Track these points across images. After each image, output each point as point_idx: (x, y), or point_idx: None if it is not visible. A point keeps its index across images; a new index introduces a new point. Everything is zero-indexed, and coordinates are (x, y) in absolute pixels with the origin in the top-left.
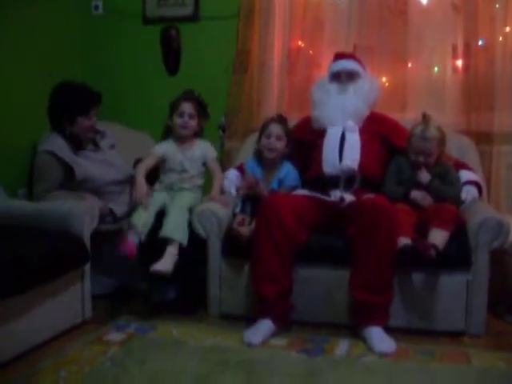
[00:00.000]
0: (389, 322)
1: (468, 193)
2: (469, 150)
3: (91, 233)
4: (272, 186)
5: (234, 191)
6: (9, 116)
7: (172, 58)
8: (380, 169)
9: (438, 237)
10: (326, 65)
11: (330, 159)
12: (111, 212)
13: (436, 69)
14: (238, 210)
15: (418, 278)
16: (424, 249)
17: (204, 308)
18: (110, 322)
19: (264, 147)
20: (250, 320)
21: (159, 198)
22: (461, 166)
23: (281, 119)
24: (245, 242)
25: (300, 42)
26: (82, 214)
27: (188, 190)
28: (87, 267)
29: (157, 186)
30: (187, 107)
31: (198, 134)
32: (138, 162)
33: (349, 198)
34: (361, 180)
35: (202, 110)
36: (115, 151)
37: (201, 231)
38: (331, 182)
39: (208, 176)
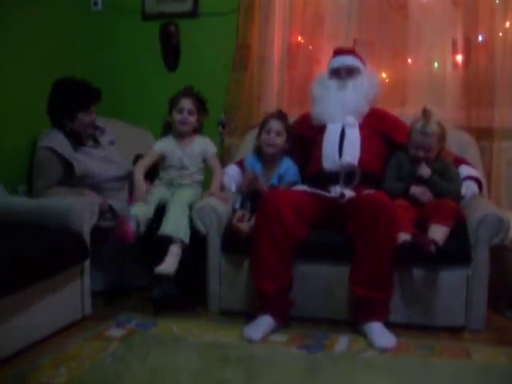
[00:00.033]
0: (389, 317)
1: (468, 188)
2: (469, 146)
3: (90, 229)
4: (272, 182)
5: (234, 187)
6: (9, 113)
7: (171, 54)
8: (380, 164)
9: (438, 232)
10: (326, 60)
11: (330, 155)
12: (111, 208)
13: (436, 64)
14: (237, 205)
15: (418, 273)
16: (424, 244)
17: (204, 304)
18: (110, 318)
19: (264, 143)
20: (249, 316)
21: (159, 192)
22: (460, 161)
23: (281, 115)
24: (244, 238)
25: (300, 37)
26: (81, 210)
27: (188, 186)
28: (87, 263)
29: (156, 182)
30: (187, 103)
31: (198, 130)
32: (137, 157)
33: (349, 193)
34: (361, 176)
35: (201, 106)
36: (115, 147)
37: (200, 227)
38: (331, 178)
39: (208, 172)
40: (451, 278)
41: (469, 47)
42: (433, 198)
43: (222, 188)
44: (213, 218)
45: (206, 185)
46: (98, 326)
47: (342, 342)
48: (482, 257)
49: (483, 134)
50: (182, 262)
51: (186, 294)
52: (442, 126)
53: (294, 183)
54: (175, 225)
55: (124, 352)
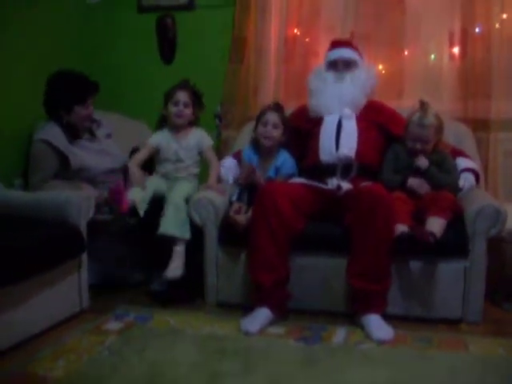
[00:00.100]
0: (386, 309)
1: (465, 180)
2: (466, 138)
3: (87, 222)
4: (269, 174)
5: (231, 179)
6: (4, 106)
7: (167, 47)
8: (377, 157)
9: (436, 225)
10: (323, 52)
11: (327, 147)
12: (107, 201)
13: (433, 56)
14: (234, 198)
15: (415, 265)
16: (422, 236)
17: (201, 297)
18: (108, 312)
19: (261, 135)
20: (247, 308)
21: (153, 184)
22: (458, 153)
23: (277, 107)
24: (241, 230)
25: (296, 30)
26: (78, 203)
27: (184, 179)
28: (84, 257)
29: (153, 176)
30: (182, 96)
31: (193, 123)
32: (134, 150)
33: (346, 186)
34: (358, 168)
35: (197, 99)
36: (112, 140)
37: (197, 219)
38: (328, 170)
39: (204, 165)
40: (449, 270)
41: (465, 39)
42: (430, 190)
43: (219, 180)
44: (210, 210)
45: (202, 178)
46: (96, 319)
47: (340, 334)
48: (479, 249)
49: (480, 126)
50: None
51: (183, 287)
52: (439, 118)
53: (291, 176)
54: (175, 224)
55: (122, 345)
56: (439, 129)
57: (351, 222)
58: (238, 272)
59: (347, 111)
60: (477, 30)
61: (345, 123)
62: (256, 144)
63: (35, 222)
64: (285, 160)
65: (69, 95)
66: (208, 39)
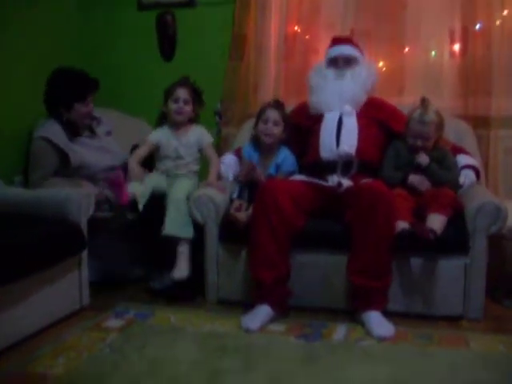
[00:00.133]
0: (387, 306)
1: (466, 177)
2: (466, 135)
3: (87, 220)
4: (269, 172)
5: (231, 176)
6: (5, 104)
7: (168, 44)
8: (378, 154)
9: (436, 221)
10: (323, 49)
11: (327, 144)
12: (107, 199)
13: (433, 53)
14: (235, 195)
15: (416, 262)
16: (422, 233)
17: (202, 294)
18: (108, 309)
19: (261, 132)
20: (247, 306)
21: (152, 180)
22: (458, 150)
23: (278, 104)
24: (242, 227)
25: (297, 27)
26: (79, 201)
27: (184, 177)
28: (84, 254)
29: (153, 173)
30: (182, 93)
31: (193, 120)
32: (134, 148)
33: (346, 182)
34: (358, 165)
35: (197, 96)
36: (112, 138)
37: (198, 217)
38: (329, 167)
39: (204, 162)
40: (449, 267)
41: (466, 36)
42: (431, 186)
43: (219, 177)
44: (210, 207)
45: (202, 175)
46: (96, 316)
47: (340, 331)
48: (479, 245)
49: (480, 123)
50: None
51: (183, 284)
52: (440, 115)
53: (292, 173)
54: (177, 224)
55: (122, 342)
56: (440, 126)
57: (352, 218)
58: (238, 269)
59: (348, 108)
60: (477, 26)
61: (345, 120)
62: (256, 141)
63: (35, 219)
64: (285, 157)
65: (69, 92)
66: (208, 36)
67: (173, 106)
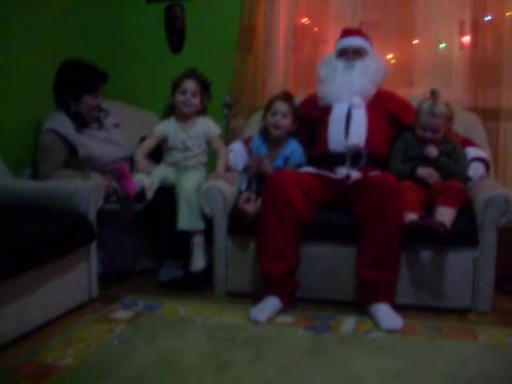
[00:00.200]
0: (396, 298)
1: (475, 170)
2: (476, 127)
3: (96, 212)
4: (277, 164)
5: (241, 165)
6: (13, 96)
7: (176, 36)
8: (387, 146)
9: (446, 214)
10: (332, 41)
11: (336, 136)
12: (115, 191)
13: (443, 45)
14: (243, 187)
15: (425, 255)
16: (432, 226)
17: (210, 286)
18: (116, 301)
19: (270, 124)
20: (256, 298)
21: (161, 171)
22: (468, 143)
23: (287, 96)
24: (251, 219)
25: (305, 19)
26: (88, 193)
27: (193, 168)
28: (93, 246)
29: (161, 164)
30: (190, 85)
31: (201, 112)
32: (143, 140)
33: (355, 175)
34: (367, 157)
35: (204, 88)
36: (120, 130)
37: (206, 209)
38: (337, 159)
39: (211, 154)
40: (458, 260)
41: (476, 28)
42: (440, 179)
43: (228, 169)
44: (219, 199)
45: (210, 167)
46: (105, 308)
47: (349, 323)
48: (488, 238)
49: (490, 115)
50: (188, 244)
51: (192, 277)
52: (449, 107)
53: (300, 165)
54: (190, 217)
55: (131, 334)
56: (450, 118)
57: (361, 211)
58: (247, 261)
59: (356, 100)
60: (487, 18)
61: (354, 112)
62: (265, 133)
63: (44, 211)
64: (294, 149)
65: (79, 83)
66: (217, 28)
67: (180, 98)
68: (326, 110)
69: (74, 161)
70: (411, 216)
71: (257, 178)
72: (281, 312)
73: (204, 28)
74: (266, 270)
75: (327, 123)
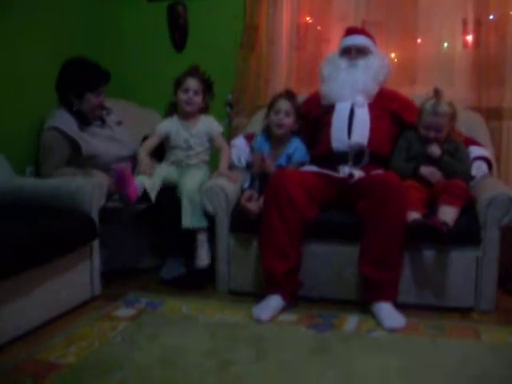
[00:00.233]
0: (399, 297)
1: (478, 169)
2: (479, 126)
3: (99, 210)
4: (280, 162)
5: (243, 160)
6: (16, 94)
7: (179, 35)
8: (390, 145)
9: (448, 213)
10: (335, 40)
11: (339, 135)
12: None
13: (446, 44)
14: (246, 185)
15: (427, 254)
16: (435, 225)
17: (212, 284)
18: (119, 298)
19: (272, 123)
20: (258, 296)
21: (163, 170)
22: (471, 142)
23: (289, 95)
24: (253, 217)
25: (308, 18)
26: (90, 191)
27: (195, 167)
28: (95, 244)
29: (163, 163)
30: (192, 83)
31: (203, 111)
32: (145, 138)
33: (358, 173)
34: (370, 156)
35: (207, 87)
36: (122, 128)
37: (209, 207)
38: (340, 158)
39: (213, 152)
40: (461, 259)
41: (479, 27)
42: (442, 178)
43: (230, 167)
44: (221, 197)
45: (212, 165)
46: (108, 305)
47: (351, 322)
48: (491, 237)
49: (493, 114)
50: (191, 242)
51: (195, 274)
52: (453, 106)
53: (303, 163)
54: (194, 216)
55: (133, 332)
56: (453, 117)
57: (364, 210)
58: (249, 260)
59: (359, 99)
60: (491, 17)
61: (357, 111)
62: (268, 132)
63: (47, 209)
64: (296, 148)
65: (82, 81)
66: (220, 26)
67: (182, 97)
68: (329, 109)
69: (77, 159)
70: (414, 215)
71: (259, 177)
72: (283, 310)
73: (206, 26)
74: (269, 269)
75: (330, 122)
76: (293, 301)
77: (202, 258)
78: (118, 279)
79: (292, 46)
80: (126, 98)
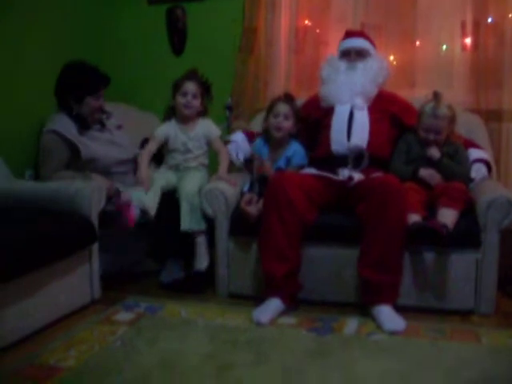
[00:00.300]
0: (399, 300)
1: (477, 171)
2: (478, 128)
3: (98, 213)
4: (279, 165)
5: (241, 155)
6: (15, 98)
7: (178, 38)
8: (389, 147)
9: (448, 216)
10: (334, 43)
11: (338, 138)
12: (118, 192)
13: (445, 47)
14: (245, 188)
15: (427, 257)
16: (435, 228)
17: (212, 287)
18: (118, 302)
19: (271, 126)
20: (258, 299)
21: (162, 179)
22: (470, 144)
23: (288, 98)
24: (253, 221)
25: (307, 21)
26: (89, 194)
27: (194, 170)
28: (95, 247)
29: (162, 167)
30: (190, 87)
31: (202, 114)
32: (144, 142)
33: (357, 176)
34: (369, 159)
35: (205, 90)
36: (122, 131)
37: (208, 210)
38: (339, 161)
39: (212, 155)
40: (461, 262)
41: (478, 29)
42: (442, 180)
43: (229, 170)
44: (221, 201)
45: (211, 168)
46: (107, 309)
47: (351, 325)
48: (491, 240)
49: (492, 116)
50: (190, 246)
51: (194, 277)
52: (452, 109)
53: (302, 166)
54: (193, 218)
55: (133, 336)
56: (452, 120)
57: (363, 212)
58: (249, 263)
59: (359, 101)
60: (489, 20)
61: (356, 114)
62: (267, 135)
63: (46, 212)
64: (296, 150)
65: (81, 84)
66: (219, 30)
67: (181, 100)
68: (329, 111)
69: (76, 162)
70: (414, 217)
71: (259, 180)
72: (283, 313)
73: (205, 30)
74: (268, 272)
75: (329, 124)
76: (293, 304)
77: (201, 261)
78: (117, 283)
79: (291, 49)
80: (125, 102)
